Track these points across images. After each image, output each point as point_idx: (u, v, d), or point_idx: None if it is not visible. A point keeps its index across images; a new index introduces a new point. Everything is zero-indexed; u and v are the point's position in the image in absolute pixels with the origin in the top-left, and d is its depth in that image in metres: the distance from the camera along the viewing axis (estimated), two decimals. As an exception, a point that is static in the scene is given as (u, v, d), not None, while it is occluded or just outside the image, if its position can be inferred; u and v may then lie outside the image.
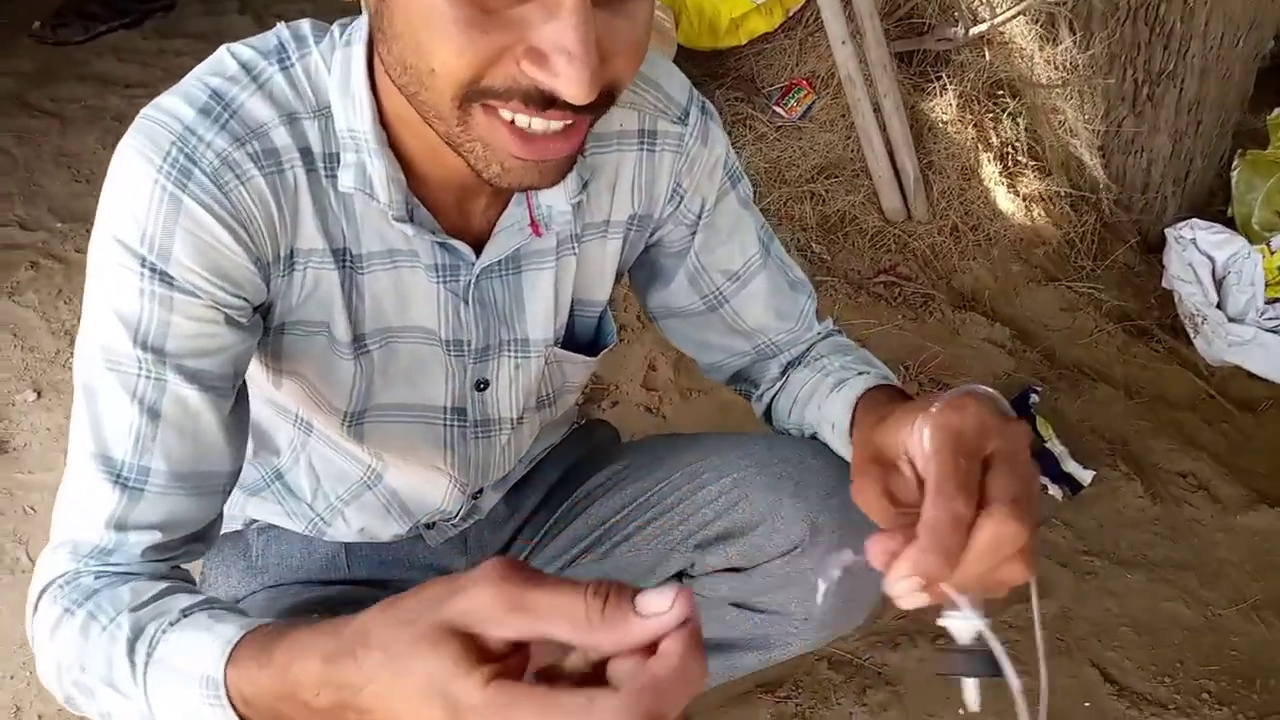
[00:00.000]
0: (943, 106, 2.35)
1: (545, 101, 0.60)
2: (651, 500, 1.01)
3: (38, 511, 1.64)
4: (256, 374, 0.85)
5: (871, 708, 1.40)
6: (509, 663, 0.47)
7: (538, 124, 0.62)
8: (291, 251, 0.74)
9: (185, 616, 0.64)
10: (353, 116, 0.71)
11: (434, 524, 1.03)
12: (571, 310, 0.90)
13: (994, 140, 2.34)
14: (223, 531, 1.05)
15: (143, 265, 0.68)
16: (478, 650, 0.46)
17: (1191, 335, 2.14)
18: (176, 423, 0.71)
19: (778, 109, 2.54)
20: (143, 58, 3.16)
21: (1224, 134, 2.59)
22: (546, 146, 0.63)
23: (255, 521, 1.03)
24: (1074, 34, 2.33)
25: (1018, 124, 2.31)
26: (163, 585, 0.69)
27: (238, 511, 1.02)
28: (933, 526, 0.54)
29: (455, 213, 0.78)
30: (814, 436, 0.94)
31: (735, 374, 1.01)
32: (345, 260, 0.77)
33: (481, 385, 0.88)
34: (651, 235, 0.92)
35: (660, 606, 0.44)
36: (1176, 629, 1.57)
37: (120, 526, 0.70)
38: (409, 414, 0.88)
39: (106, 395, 0.70)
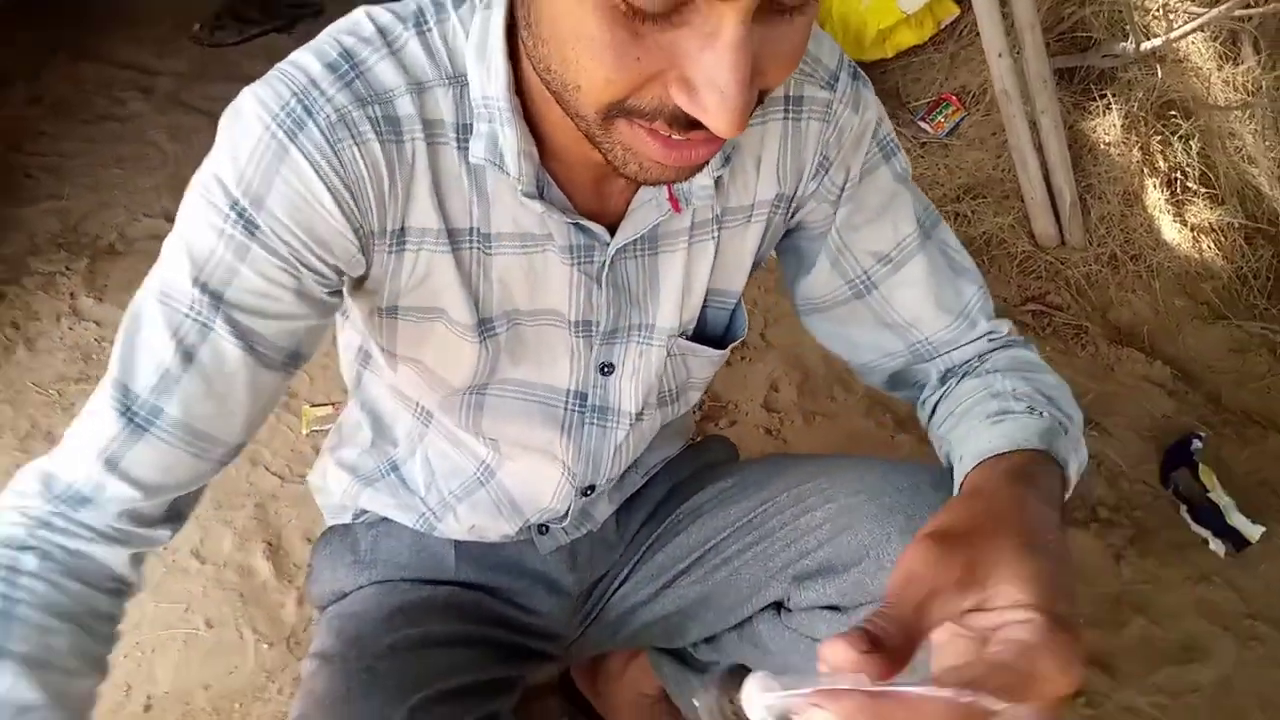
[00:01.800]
0: (1105, 127, 2.20)
1: (690, 124, 0.55)
2: (755, 522, 0.94)
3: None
4: (377, 360, 0.83)
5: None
6: None
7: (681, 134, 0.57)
8: (403, 228, 0.70)
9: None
10: (487, 83, 0.66)
11: (545, 529, 0.98)
12: (709, 300, 0.84)
13: (1161, 165, 2.17)
14: (332, 523, 1.04)
15: (231, 207, 0.64)
16: None
17: (1381, 385, 1.94)
18: (206, 374, 0.68)
19: (923, 124, 2.43)
20: (292, 59, 3.27)
21: None
22: (690, 154, 0.59)
23: (365, 514, 1.01)
24: (1258, 53, 2.16)
25: (1189, 148, 2.14)
26: (70, 636, 0.66)
27: (350, 502, 1.00)
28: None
29: (590, 191, 0.72)
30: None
31: (891, 377, 0.90)
32: (473, 239, 0.72)
33: (607, 369, 0.83)
34: (793, 216, 0.84)
35: None
36: (1358, 714, 1.40)
37: (110, 464, 0.67)
38: (531, 393, 0.83)
39: (148, 326, 0.67)
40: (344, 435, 1.02)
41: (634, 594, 1.03)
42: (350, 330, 0.90)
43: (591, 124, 0.58)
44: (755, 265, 0.86)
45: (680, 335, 0.84)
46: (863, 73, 0.81)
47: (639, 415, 0.88)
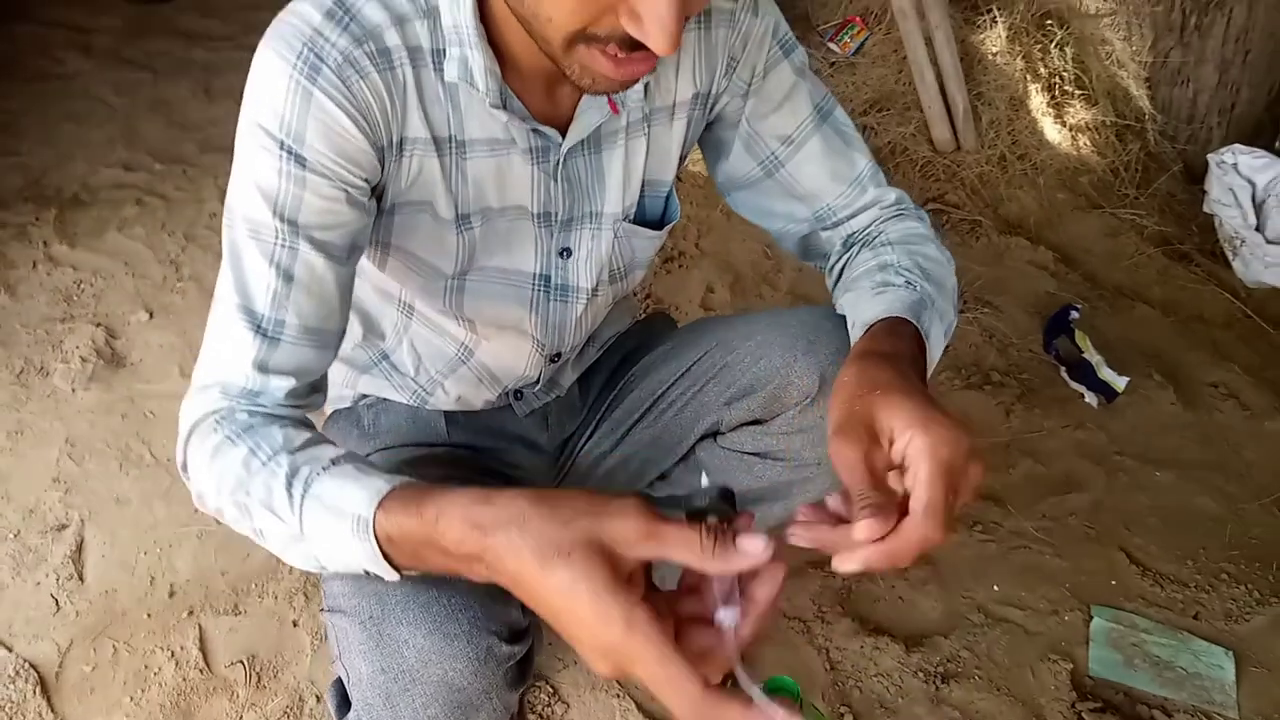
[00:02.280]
0: (993, 39, 2.43)
1: (635, 45, 0.73)
2: (691, 371, 1.14)
3: (156, 415, 1.83)
4: (365, 262, 0.99)
5: (913, 582, 1.54)
6: (638, 582, 0.62)
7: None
8: (401, 139, 0.85)
9: (334, 464, 0.77)
10: (456, 14, 0.82)
11: (520, 394, 1.18)
12: (642, 191, 1.02)
13: (1042, 71, 2.41)
14: (336, 408, 1.22)
15: (281, 148, 0.79)
16: (621, 574, 0.61)
17: (1230, 258, 2.22)
18: (305, 284, 0.83)
19: (831, 45, 2.63)
20: (222, 14, 3.34)
21: (1273, 66, 2.62)
22: (634, 69, 0.76)
23: (365, 397, 1.19)
24: (1122, -34, 2.39)
25: (1065, 55, 2.38)
26: (308, 434, 0.81)
27: (349, 391, 1.18)
28: (905, 538, 0.66)
29: (543, 99, 0.89)
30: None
31: (801, 244, 1.08)
32: (450, 146, 0.88)
33: (565, 253, 1.02)
34: (711, 111, 1.02)
35: (756, 548, 0.61)
36: (1201, 519, 1.68)
37: (262, 369, 0.82)
38: (503, 278, 1.01)
39: (249, 259, 0.82)
40: None
41: (598, 446, 1.24)
42: None
43: (556, 48, 0.75)
44: (682, 158, 1.05)
45: (625, 219, 1.02)
46: None
47: (594, 291, 1.07)
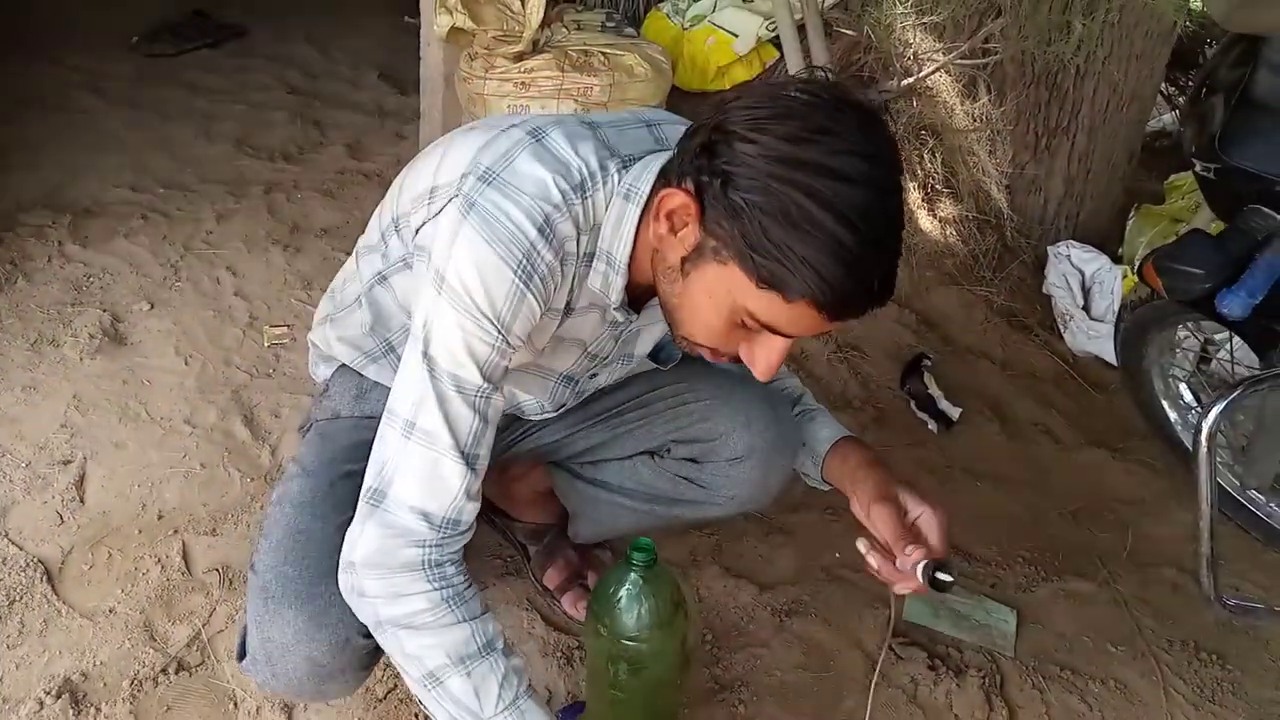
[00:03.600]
0: (880, 144, 2.91)
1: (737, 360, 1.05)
2: (648, 400, 1.43)
3: (153, 384, 2.15)
4: (399, 279, 1.21)
5: (772, 545, 1.91)
6: None
7: None
8: (549, 307, 1.08)
9: (531, 688, 1.08)
10: (615, 247, 1.07)
11: (516, 420, 1.44)
12: (658, 345, 1.36)
13: (919, 172, 2.90)
14: (342, 364, 1.43)
15: (497, 333, 1.02)
16: None
17: (1062, 330, 2.68)
18: (492, 422, 1.07)
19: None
20: (223, 72, 3.77)
21: (1113, 184, 3.16)
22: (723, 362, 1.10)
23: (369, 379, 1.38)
24: (990, 92, 2.92)
25: (937, 159, 2.87)
26: (500, 630, 1.09)
27: (357, 367, 1.37)
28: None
29: (629, 285, 1.14)
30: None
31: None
32: (567, 310, 1.14)
33: (593, 375, 1.33)
34: None
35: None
36: (1009, 520, 2.08)
37: (469, 495, 1.05)
38: (539, 371, 1.27)
39: (455, 407, 1.02)
40: (338, 309, 1.34)
41: (546, 438, 1.48)
42: (379, 260, 1.23)
43: (677, 339, 1.07)
44: None
45: (647, 356, 1.38)
46: None
47: (600, 388, 1.42)
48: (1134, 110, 3.03)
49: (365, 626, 1.11)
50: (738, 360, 1.05)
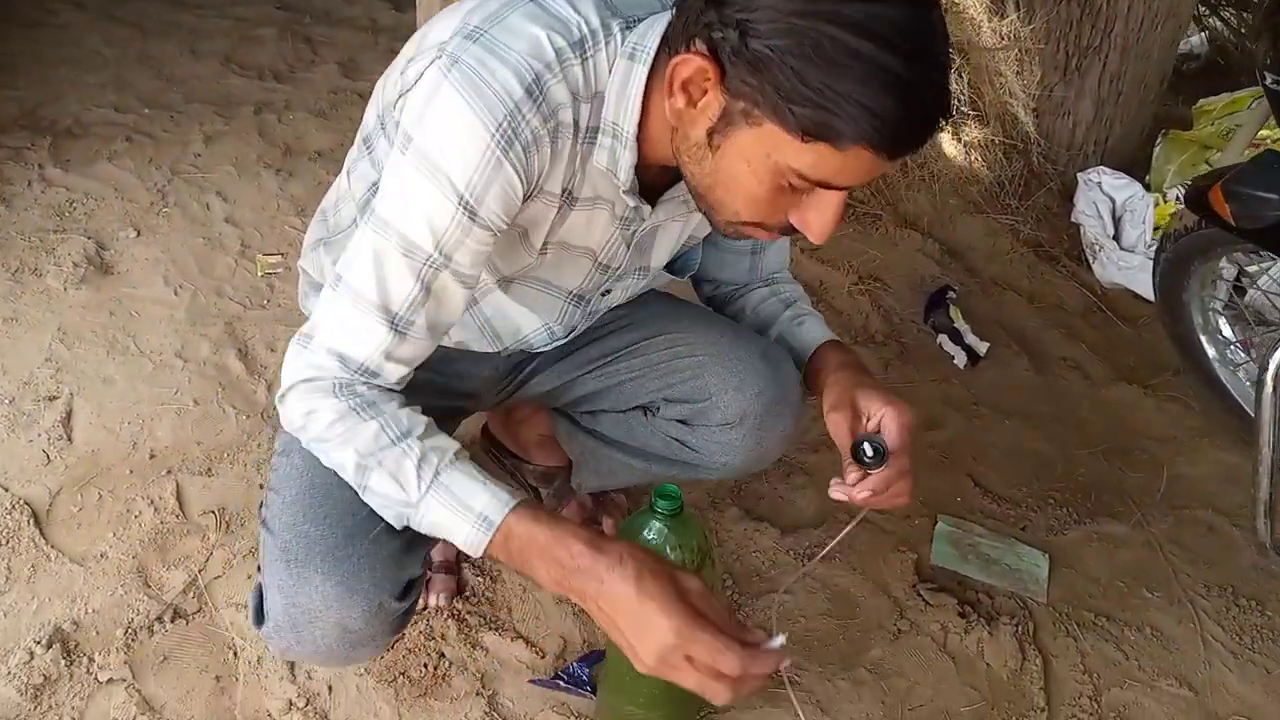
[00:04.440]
0: (903, 63, 2.76)
1: (791, 230, 0.93)
2: (641, 349, 1.32)
3: (141, 315, 2.05)
4: None
5: (792, 485, 1.83)
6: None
7: None
8: (540, 189, 0.97)
9: (457, 459, 0.95)
10: (621, 115, 0.94)
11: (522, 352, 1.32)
12: (680, 248, 1.23)
13: (943, 93, 2.75)
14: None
15: (460, 203, 0.90)
16: (687, 598, 0.87)
17: (1090, 261, 2.57)
18: (439, 297, 0.97)
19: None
20: (210, -16, 3.58)
21: (1144, 108, 3.01)
22: (773, 239, 1.03)
23: None
24: (1018, 9, 2.76)
25: (963, 80, 2.73)
26: (423, 420, 0.98)
27: None
28: (895, 468, 1.05)
29: (641, 174, 1.01)
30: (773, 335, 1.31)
31: (706, 276, 1.38)
32: (567, 198, 1.01)
33: (606, 292, 1.22)
34: None
35: (774, 644, 0.89)
36: (1038, 458, 2.00)
37: (387, 356, 0.97)
38: (544, 287, 1.17)
39: (394, 268, 0.93)
40: (333, 232, 1.22)
41: (545, 383, 1.39)
42: (369, 169, 1.10)
43: (720, 222, 0.95)
44: None
45: (663, 269, 1.27)
46: None
47: (612, 305, 1.30)
48: (1169, 29, 2.87)
49: (397, 587, 1.05)
50: (790, 231, 0.95)
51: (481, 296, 1.17)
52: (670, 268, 1.29)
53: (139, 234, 2.27)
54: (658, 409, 1.35)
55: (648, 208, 1.06)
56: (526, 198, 0.95)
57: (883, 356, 2.18)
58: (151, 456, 1.74)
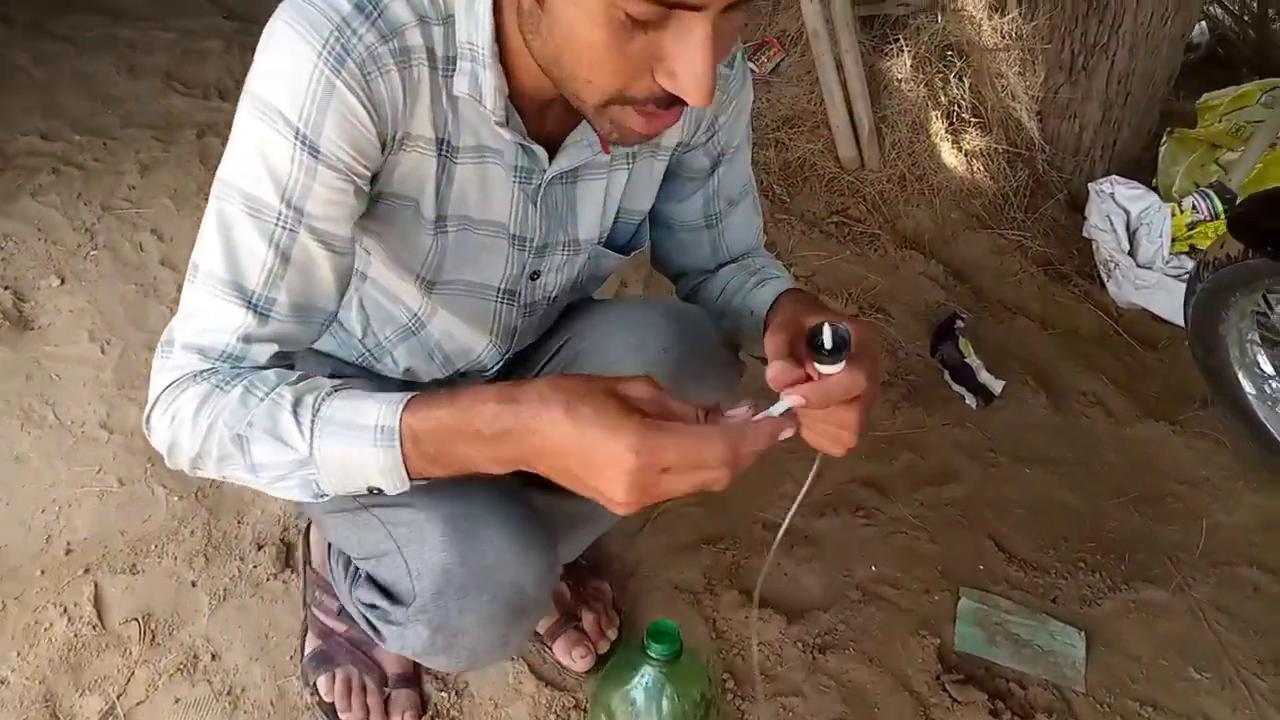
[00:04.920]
0: (898, 66, 2.57)
1: (670, 101, 0.76)
2: (560, 354, 1.19)
3: (62, 379, 1.83)
4: None
5: (797, 560, 1.63)
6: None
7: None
8: (405, 134, 0.86)
9: (337, 390, 0.82)
10: (473, 32, 0.83)
11: (467, 374, 1.20)
12: (619, 216, 1.07)
13: (942, 99, 2.56)
14: None
15: (296, 136, 0.79)
16: (637, 412, 0.73)
17: (1104, 279, 2.38)
18: (301, 266, 0.85)
19: (750, 65, 2.74)
20: (151, -8, 3.33)
21: (1151, 108, 2.83)
22: (664, 123, 0.81)
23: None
24: (1020, 5, 2.56)
25: (964, 85, 2.53)
26: (295, 372, 0.85)
27: None
28: (837, 380, 0.81)
29: (535, 119, 0.91)
30: (720, 317, 1.15)
31: (680, 268, 1.21)
32: (444, 149, 0.90)
33: (535, 275, 1.06)
34: (682, 155, 1.08)
35: (743, 415, 0.77)
36: (1064, 513, 1.81)
37: (248, 339, 0.85)
38: (470, 290, 1.04)
39: (243, 234, 0.83)
40: None
41: None
42: None
43: (590, 106, 0.78)
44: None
45: (598, 243, 1.08)
46: (745, 56, 1.09)
47: (554, 300, 1.13)
48: (1179, 23, 2.68)
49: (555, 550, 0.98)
50: (669, 100, 0.77)
51: (429, 318, 1.06)
52: (613, 245, 1.10)
53: (63, 281, 2.04)
54: None
55: (539, 149, 0.92)
56: (389, 141, 0.85)
57: (889, 399, 1.98)
58: (67, 552, 1.53)
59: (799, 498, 0.90)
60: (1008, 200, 2.54)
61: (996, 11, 2.57)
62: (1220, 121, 3.09)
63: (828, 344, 0.79)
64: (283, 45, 0.79)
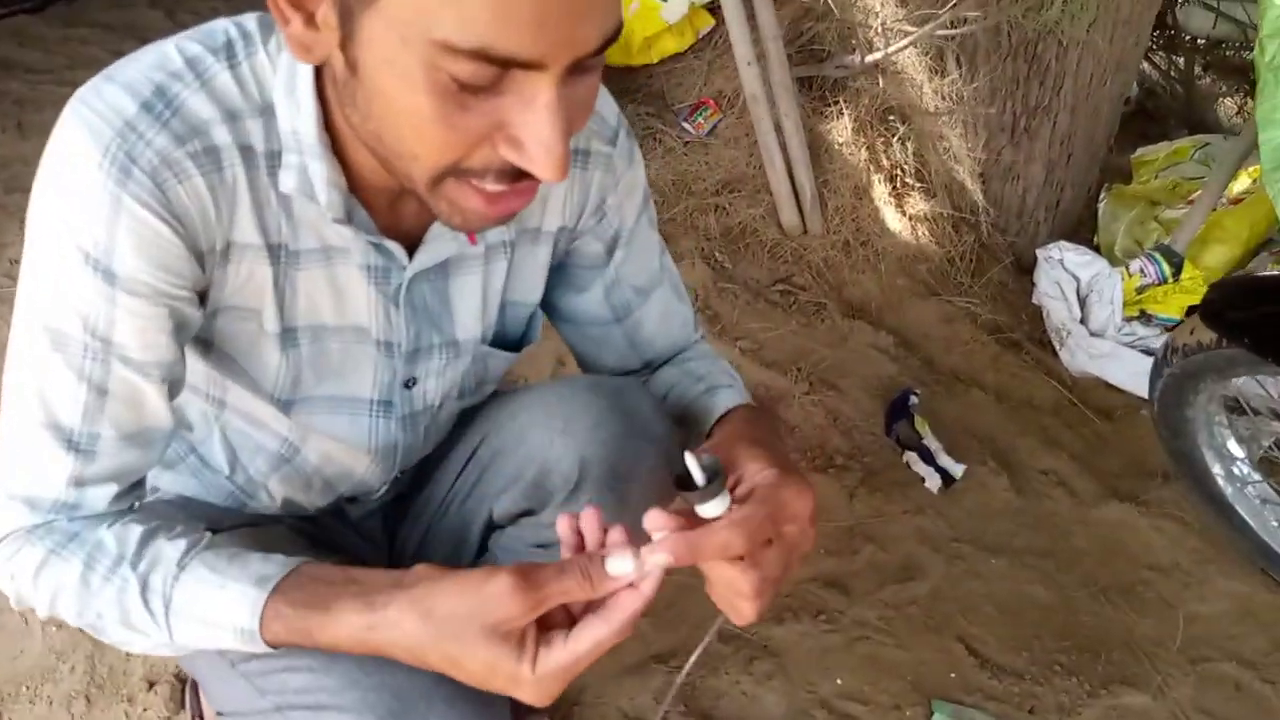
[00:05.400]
0: (839, 129, 2.49)
1: (517, 175, 0.65)
2: (476, 456, 1.04)
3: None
4: None
5: (757, 677, 1.49)
6: (531, 633, 0.68)
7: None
8: (228, 245, 0.75)
9: (183, 570, 0.73)
10: (296, 119, 0.72)
11: (355, 499, 1.05)
12: (504, 310, 0.95)
13: (885, 162, 2.49)
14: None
15: (87, 260, 0.68)
16: (517, 640, 0.67)
17: (1057, 347, 2.32)
18: (122, 397, 0.74)
19: (686, 125, 2.65)
20: (46, 44, 3.11)
21: (1092, 167, 2.80)
22: (510, 204, 0.69)
23: (158, 491, 1.01)
24: (960, 67, 2.51)
25: (906, 148, 2.46)
26: (139, 531, 0.75)
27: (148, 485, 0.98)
28: (710, 539, 0.69)
29: (387, 212, 0.79)
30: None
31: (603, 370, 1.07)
32: (280, 256, 0.78)
33: (410, 383, 0.92)
34: (571, 243, 0.97)
35: (624, 568, 0.68)
36: (1035, 608, 1.70)
37: (79, 484, 0.75)
38: (336, 406, 0.90)
39: (54, 373, 0.72)
40: None
41: (411, 536, 1.10)
42: None
43: (422, 186, 0.66)
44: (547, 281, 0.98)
45: (482, 343, 0.94)
46: (632, 132, 0.95)
47: (439, 409, 0.98)
48: (1117, 83, 2.67)
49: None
50: (514, 175, 0.65)
51: (302, 442, 0.92)
52: (502, 342, 0.97)
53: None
54: (494, 515, 1.03)
55: (394, 246, 0.80)
56: (207, 254, 0.74)
57: (846, 485, 1.86)
58: (-76, 698, 1.32)
59: (694, 655, 0.83)
60: (954, 265, 2.47)
61: (936, 74, 2.52)
62: (1156, 178, 3.10)
63: (696, 479, 0.69)
64: (63, 154, 0.68)
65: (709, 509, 0.69)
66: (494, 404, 1.07)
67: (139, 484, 0.81)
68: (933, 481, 1.89)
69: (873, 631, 1.60)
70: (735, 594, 0.71)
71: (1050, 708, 1.53)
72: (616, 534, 0.71)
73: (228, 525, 0.98)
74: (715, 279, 2.32)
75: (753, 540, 0.69)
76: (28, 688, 1.36)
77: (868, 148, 2.48)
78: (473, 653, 0.67)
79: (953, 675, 1.56)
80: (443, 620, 0.67)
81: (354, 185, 0.77)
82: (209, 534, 0.78)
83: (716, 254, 2.40)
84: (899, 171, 2.48)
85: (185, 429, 0.94)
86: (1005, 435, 2.07)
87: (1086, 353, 2.24)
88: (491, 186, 0.65)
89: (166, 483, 1.00)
